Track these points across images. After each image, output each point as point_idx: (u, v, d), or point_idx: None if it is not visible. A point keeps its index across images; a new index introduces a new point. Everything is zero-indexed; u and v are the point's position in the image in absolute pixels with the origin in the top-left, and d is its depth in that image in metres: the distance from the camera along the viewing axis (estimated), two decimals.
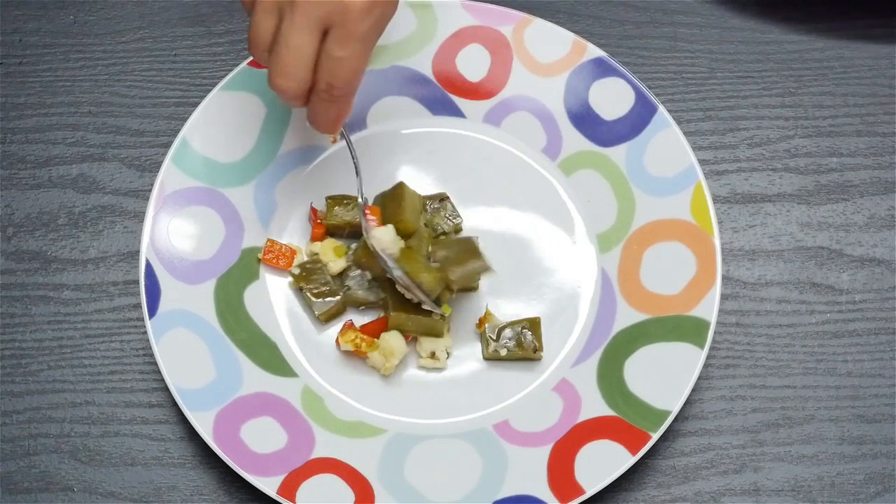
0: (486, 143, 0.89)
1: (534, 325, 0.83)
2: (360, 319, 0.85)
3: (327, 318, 0.84)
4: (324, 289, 0.84)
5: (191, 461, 0.83)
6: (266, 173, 0.87)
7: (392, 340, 0.82)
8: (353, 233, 0.86)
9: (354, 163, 0.83)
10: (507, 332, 0.83)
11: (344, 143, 0.87)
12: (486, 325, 0.84)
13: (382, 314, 0.85)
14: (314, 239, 0.86)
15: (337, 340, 0.83)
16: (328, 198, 0.86)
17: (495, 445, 0.80)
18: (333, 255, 0.85)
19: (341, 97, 0.76)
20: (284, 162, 0.88)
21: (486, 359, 0.84)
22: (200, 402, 0.80)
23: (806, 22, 0.94)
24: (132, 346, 0.85)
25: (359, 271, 0.85)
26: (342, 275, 0.85)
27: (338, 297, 0.84)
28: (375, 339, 0.83)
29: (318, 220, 0.87)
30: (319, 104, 0.76)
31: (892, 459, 0.83)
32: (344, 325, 0.84)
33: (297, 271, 0.84)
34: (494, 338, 0.83)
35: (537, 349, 0.83)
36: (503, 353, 0.83)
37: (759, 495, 0.82)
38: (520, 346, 0.83)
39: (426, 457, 0.80)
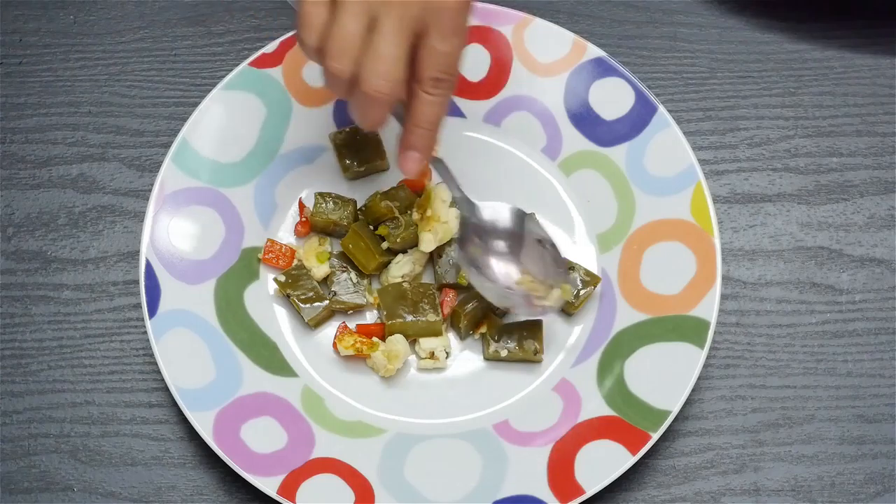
0: (486, 143, 0.89)
1: (535, 327, 0.83)
2: (350, 322, 0.85)
3: (317, 322, 0.84)
4: (310, 294, 0.84)
5: (191, 461, 0.83)
6: (266, 173, 0.87)
7: (398, 344, 0.82)
8: (337, 232, 0.86)
9: (441, 167, 0.82)
10: (507, 334, 0.83)
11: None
12: (485, 328, 0.84)
13: (377, 317, 0.85)
14: (296, 233, 0.86)
15: (335, 345, 0.83)
16: (317, 194, 0.86)
17: (495, 445, 0.80)
18: (316, 262, 0.85)
19: (448, 89, 0.75)
20: (284, 162, 0.88)
21: (487, 359, 0.84)
22: (200, 402, 0.80)
23: (806, 22, 0.94)
24: (132, 346, 0.85)
25: (344, 275, 0.85)
26: (327, 280, 0.85)
27: (325, 302, 0.84)
28: (375, 340, 0.83)
29: (303, 217, 0.86)
30: (424, 102, 0.75)
31: (892, 459, 0.83)
32: (339, 329, 0.83)
33: (282, 279, 0.84)
34: (496, 338, 0.83)
35: (538, 351, 0.83)
36: (503, 353, 0.83)
37: (759, 495, 0.82)
38: (521, 347, 0.83)
39: (426, 457, 0.80)
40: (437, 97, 0.75)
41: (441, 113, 0.76)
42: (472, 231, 0.83)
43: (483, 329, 0.84)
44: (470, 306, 0.83)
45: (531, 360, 0.83)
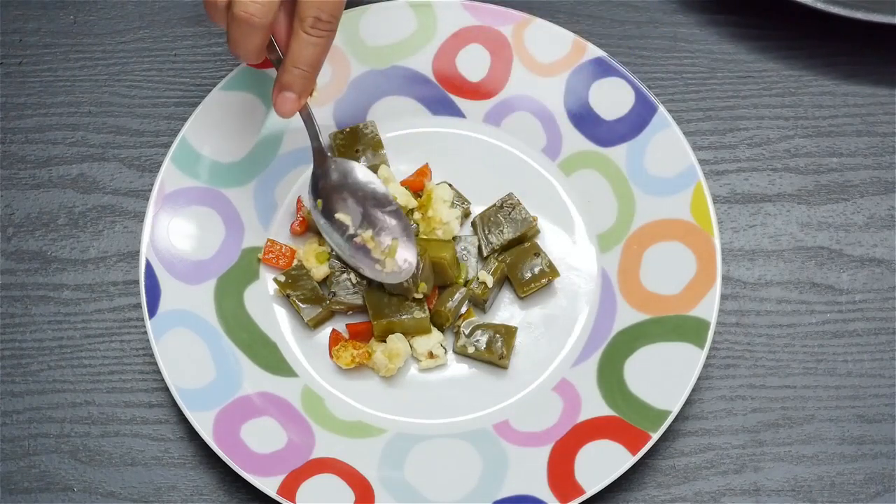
0: (486, 143, 0.89)
1: (508, 333, 0.83)
2: (347, 321, 0.85)
3: (316, 323, 0.84)
4: (310, 294, 0.84)
5: (191, 461, 0.83)
6: (266, 173, 0.87)
7: (398, 343, 0.82)
8: None
9: (305, 115, 0.82)
10: (479, 332, 0.83)
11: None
12: (463, 320, 0.84)
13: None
14: (293, 232, 0.86)
15: (331, 356, 0.83)
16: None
17: (495, 445, 0.80)
18: (315, 262, 0.85)
19: (328, 32, 0.76)
20: (284, 162, 0.88)
21: (456, 352, 0.83)
22: (200, 402, 0.80)
23: (806, 22, 0.94)
24: (132, 346, 0.85)
25: (344, 276, 0.85)
26: (327, 280, 0.85)
27: (325, 303, 0.84)
28: (371, 346, 0.83)
29: (301, 216, 0.86)
30: (303, 43, 0.76)
31: (892, 459, 0.83)
32: (332, 340, 0.83)
33: (282, 279, 0.84)
34: (467, 333, 0.83)
35: (503, 356, 0.82)
36: (471, 350, 0.83)
37: (759, 495, 0.82)
38: (489, 348, 0.82)
39: (426, 457, 0.80)
40: (317, 38, 0.76)
41: (320, 56, 0.77)
42: (323, 184, 0.83)
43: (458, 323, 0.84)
44: (451, 303, 0.83)
45: (496, 363, 0.83)
